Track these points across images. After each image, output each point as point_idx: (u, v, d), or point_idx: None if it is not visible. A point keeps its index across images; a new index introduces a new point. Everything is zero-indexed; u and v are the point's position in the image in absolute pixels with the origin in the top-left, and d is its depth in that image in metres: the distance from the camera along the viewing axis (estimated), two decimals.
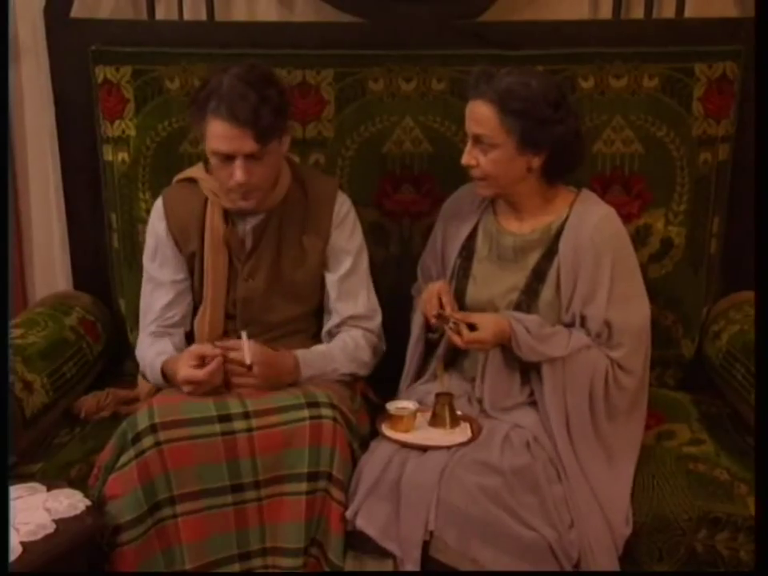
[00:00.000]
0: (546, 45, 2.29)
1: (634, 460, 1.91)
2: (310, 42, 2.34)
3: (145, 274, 2.11)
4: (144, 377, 2.08)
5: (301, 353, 1.96)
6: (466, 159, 1.91)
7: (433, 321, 1.93)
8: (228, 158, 1.88)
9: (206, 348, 1.89)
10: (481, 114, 1.86)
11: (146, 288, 2.10)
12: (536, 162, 1.89)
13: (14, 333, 2.15)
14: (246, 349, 1.87)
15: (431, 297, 1.93)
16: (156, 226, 2.07)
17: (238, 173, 1.88)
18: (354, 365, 2.02)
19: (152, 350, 2.03)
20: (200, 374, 1.83)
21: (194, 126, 1.98)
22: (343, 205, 2.08)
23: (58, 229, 2.60)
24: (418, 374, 2.06)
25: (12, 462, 1.90)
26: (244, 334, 1.90)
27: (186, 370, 1.86)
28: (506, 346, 1.88)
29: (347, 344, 2.02)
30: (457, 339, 1.86)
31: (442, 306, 1.91)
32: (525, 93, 1.83)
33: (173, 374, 1.92)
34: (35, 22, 2.44)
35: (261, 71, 1.91)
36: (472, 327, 1.86)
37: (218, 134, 1.86)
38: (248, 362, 1.85)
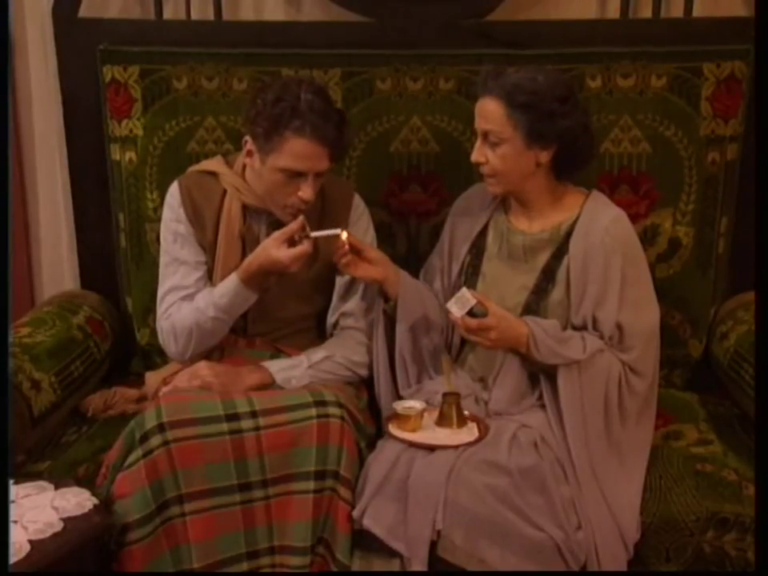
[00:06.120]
0: (554, 44, 2.30)
1: (644, 464, 1.90)
2: (317, 42, 2.34)
3: (165, 257, 2.06)
4: (178, 342, 2.01)
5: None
6: (475, 156, 1.91)
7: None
8: (296, 176, 1.89)
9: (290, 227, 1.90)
10: (488, 111, 1.87)
11: (168, 269, 2.05)
12: (544, 156, 1.89)
13: (22, 332, 2.15)
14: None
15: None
16: (173, 211, 2.05)
17: (309, 191, 1.90)
18: (356, 366, 2.04)
19: (198, 301, 1.98)
20: (305, 246, 1.86)
21: (257, 140, 1.91)
22: (358, 207, 2.10)
23: (66, 228, 2.61)
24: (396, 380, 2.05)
25: (20, 460, 1.91)
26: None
27: (284, 250, 1.87)
28: (520, 354, 1.88)
29: (345, 347, 2.04)
30: (461, 327, 1.84)
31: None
32: (531, 87, 1.84)
33: (255, 265, 1.90)
34: (43, 21, 2.45)
35: (323, 88, 1.96)
36: (473, 315, 1.83)
37: (298, 152, 1.87)
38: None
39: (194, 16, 2.44)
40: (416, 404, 1.89)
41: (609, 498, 1.81)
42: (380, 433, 1.93)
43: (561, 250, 1.93)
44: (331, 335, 2.11)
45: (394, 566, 1.73)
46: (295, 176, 1.90)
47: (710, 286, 2.36)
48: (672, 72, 2.25)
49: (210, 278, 2.05)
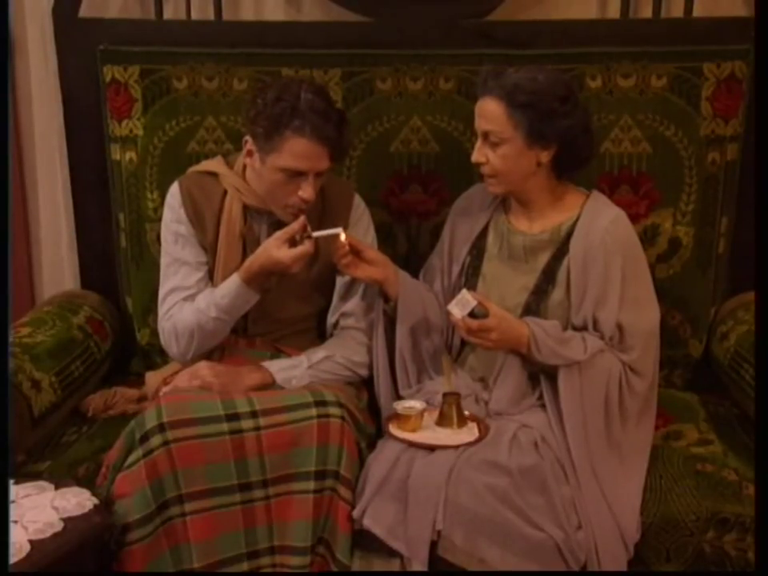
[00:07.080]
0: (554, 44, 2.30)
1: (644, 464, 1.90)
2: (317, 42, 2.34)
3: (165, 258, 2.06)
4: (177, 341, 2.01)
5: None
6: (475, 157, 1.92)
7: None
8: (296, 175, 1.90)
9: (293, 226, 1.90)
10: (489, 111, 1.87)
11: (169, 270, 2.05)
12: (545, 156, 1.89)
13: (22, 332, 2.15)
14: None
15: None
16: (174, 212, 2.05)
17: (309, 190, 1.90)
18: (356, 366, 2.04)
19: (199, 302, 1.98)
20: (307, 247, 1.86)
21: (257, 140, 1.91)
22: (358, 207, 2.10)
23: (66, 228, 2.61)
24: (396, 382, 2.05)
25: (20, 460, 1.91)
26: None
27: (285, 250, 1.87)
28: (521, 354, 1.88)
29: (346, 347, 2.04)
30: (462, 328, 1.84)
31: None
32: (531, 86, 1.84)
33: (257, 266, 1.91)
34: (43, 21, 2.45)
35: (323, 88, 1.97)
36: (474, 317, 1.83)
37: (298, 152, 1.87)
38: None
39: (194, 16, 2.44)
40: (416, 404, 1.89)
41: (609, 497, 1.81)
42: (380, 433, 1.93)
43: (561, 251, 1.93)
44: (331, 335, 2.11)
45: (394, 566, 1.73)
46: (295, 176, 1.90)
47: (710, 285, 2.36)
48: (672, 72, 2.25)
49: (210, 278, 2.05)
